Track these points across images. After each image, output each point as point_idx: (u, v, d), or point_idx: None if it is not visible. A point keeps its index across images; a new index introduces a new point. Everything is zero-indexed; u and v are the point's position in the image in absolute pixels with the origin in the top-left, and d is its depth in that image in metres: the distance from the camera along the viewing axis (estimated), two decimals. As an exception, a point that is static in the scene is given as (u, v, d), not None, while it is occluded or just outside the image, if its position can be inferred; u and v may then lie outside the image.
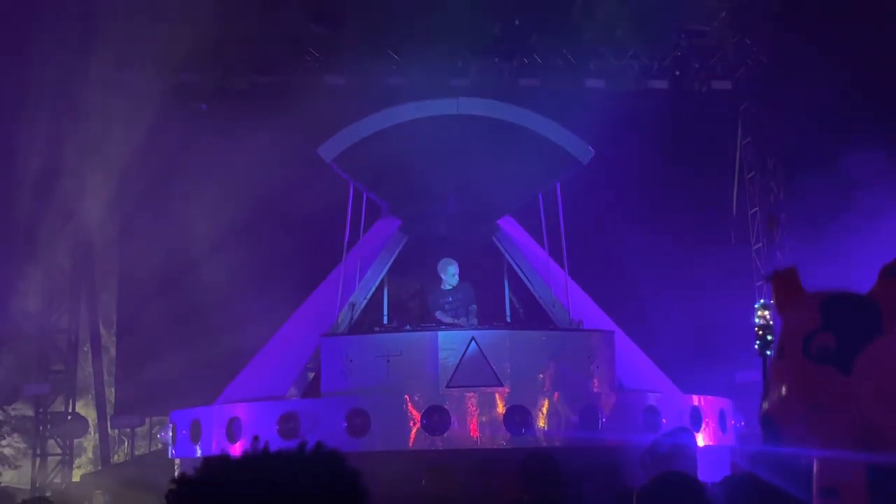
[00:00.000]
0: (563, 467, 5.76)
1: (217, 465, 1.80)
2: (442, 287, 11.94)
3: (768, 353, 9.84)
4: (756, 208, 18.23)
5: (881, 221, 14.47)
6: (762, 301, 10.60)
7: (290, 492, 1.74)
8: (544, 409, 10.01)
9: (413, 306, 13.75)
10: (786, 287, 3.65)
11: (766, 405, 3.41)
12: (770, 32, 17.81)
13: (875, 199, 14.47)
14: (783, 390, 3.36)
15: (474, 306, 11.69)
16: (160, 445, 17.32)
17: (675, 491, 4.22)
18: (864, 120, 15.83)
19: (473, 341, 10.32)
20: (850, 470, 3.34)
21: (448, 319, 11.55)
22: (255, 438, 1.87)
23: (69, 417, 16.15)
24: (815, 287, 3.64)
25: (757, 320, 10.37)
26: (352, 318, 11.89)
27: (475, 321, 11.52)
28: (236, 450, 10.42)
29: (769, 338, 10.35)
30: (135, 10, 16.11)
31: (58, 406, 16.27)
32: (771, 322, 10.56)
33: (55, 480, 15.79)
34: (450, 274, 11.85)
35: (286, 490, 1.74)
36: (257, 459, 1.81)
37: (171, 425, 12.09)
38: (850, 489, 3.34)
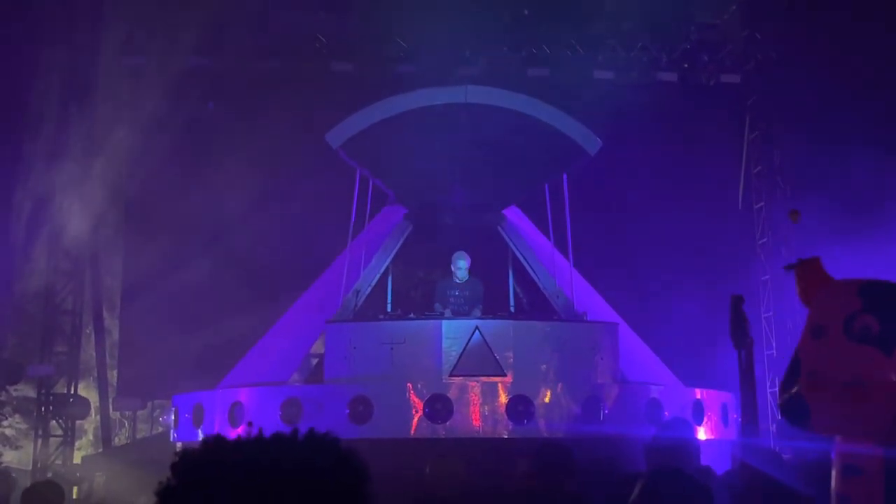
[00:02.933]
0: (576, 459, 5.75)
1: (214, 446, 1.82)
2: (452, 279, 11.92)
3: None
4: (762, 203, 18.20)
5: (888, 217, 14.43)
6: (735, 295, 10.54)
7: (287, 474, 1.75)
8: (547, 400, 10.00)
9: (416, 295, 13.75)
10: (811, 275, 3.73)
11: (794, 386, 3.43)
12: (780, 27, 17.75)
13: (883, 195, 14.44)
14: (820, 369, 3.39)
15: (478, 309, 11.53)
16: (161, 429, 17.37)
17: (676, 486, 4.21)
18: (872, 115, 15.78)
19: (477, 330, 10.31)
20: (873, 450, 3.38)
21: (443, 311, 11.49)
22: (250, 424, 1.88)
23: (71, 399, 16.17)
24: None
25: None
26: (356, 305, 11.89)
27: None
28: (237, 434, 10.46)
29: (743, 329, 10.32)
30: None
31: (60, 388, 16.30)
32: (745, 314, 10.52)
33: (56, 461, 15.83)
34: (459, 267, 11.82)
35: (283, 472, 1.75)
36: (252, 443, 1.82)
37: (173, 409, 12.11)
38: (873, 468, 3.37)
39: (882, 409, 3.30)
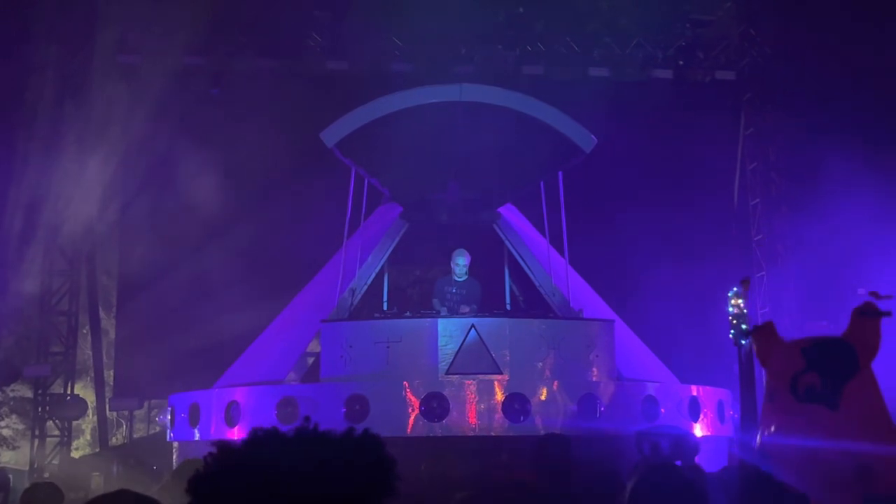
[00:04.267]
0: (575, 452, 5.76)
1: (263, 438, 1.81)
2: (451, 277, 11.91)
3: (743, 342, 9.95)
4: (758, 199, 18.21)
5: (883, 212, 14.45)
6: (735, 290, 10.59)
7: (331, 471, 1.75)
8: (543, 398, 10.00)
9: (413, 293, 13.74)
10: (765, 339, 3.83)
11: (760, 441, 3.54)
12: (775, 23, 17.77)
13: (877, 191, 14.46)
14: (775, 429, 3.47)
15: (475, 306, 11.53)
16: (158, 428, 17.35)
17: (670, 484, 4.21)
18: (867, 111, 15.80)
19: (473, 329, 10.31)
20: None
21: (440, 309, 11.48)
22: (307, 418, 1.88)
23: (68, 399, 16.16)
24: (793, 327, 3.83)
25: (731, 309, 10.38)
26: (352, 304, 11.87)
27: None
28: (234, 434, 10.45)
29: (743, 326, 10.38)
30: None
31: (57, 388, 16.29)
32: (745, 311, 10.58)
33: (53, 462, 15.82)
34: (458, 264, 11.80)
35: (327, 469, 1.75)
36: (305, 436, 1.82)
37: (169, 409, 12.10)
38: None
39: (841, 462, 3.35)
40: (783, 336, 3.86)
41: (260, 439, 1.81)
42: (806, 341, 3.72)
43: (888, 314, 3.53)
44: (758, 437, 3.57)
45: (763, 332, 3.87)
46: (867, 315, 3.60)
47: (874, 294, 3.63)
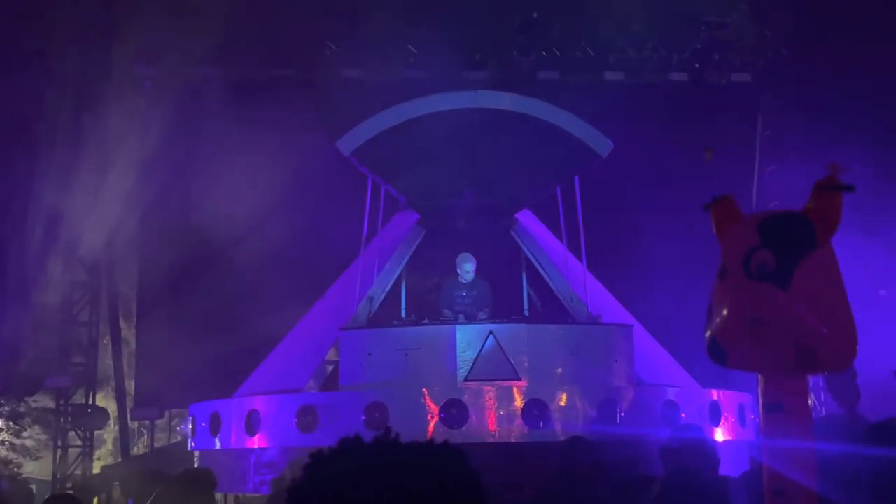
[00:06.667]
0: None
1: (351, 447, 1.83)
2: (458, 280, 11.92)
3: None
4: (776, 202, 18.12)
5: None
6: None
7: (415, 481, 1.76)
8: (562, 403, 9.98)
9: (431, 300, 13.74)
10: (724, 213, 3.72)
11: (710, 328, 3.44)
12: (790, 23, 17.70)
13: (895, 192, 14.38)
14: (725, 310, 3.38)
15: (484, 312, 11.47)
16: (179, 438, 17.43)
17: (692, 491, 4.21)
18: (885, 112, 15.71)
19: (491, 335, 10.29)
20: (793, 386, 3.31)
21: (450, 317, 11.47)
22: (388, 429, 1.92)
23: (89, 410, 16.26)
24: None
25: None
26: (370, 312, 11.89)
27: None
28: (253, 442, 10.48)
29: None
30: (154, 4, 16.18)
31: (78, 398, 16.39)
32: None
33: (76, 472, 15.90)
34: (465, 270, 11.81)
35: (412, 479, 1.76)
36: (388, 446, 1.83)
37: (190, 418, 12.15)
38: (793, 404, 3.31)
39: (781, 346, 3.23)
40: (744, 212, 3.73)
41: (349, 450, 1.83)
42: (762, 215, 3.57)
43: (851, 189, 3.38)
44: (708, 325, 3.46)
45: (722, 205, 3.74)
46: (828, 189, 3.46)
47: (834, 167, 3.47)
